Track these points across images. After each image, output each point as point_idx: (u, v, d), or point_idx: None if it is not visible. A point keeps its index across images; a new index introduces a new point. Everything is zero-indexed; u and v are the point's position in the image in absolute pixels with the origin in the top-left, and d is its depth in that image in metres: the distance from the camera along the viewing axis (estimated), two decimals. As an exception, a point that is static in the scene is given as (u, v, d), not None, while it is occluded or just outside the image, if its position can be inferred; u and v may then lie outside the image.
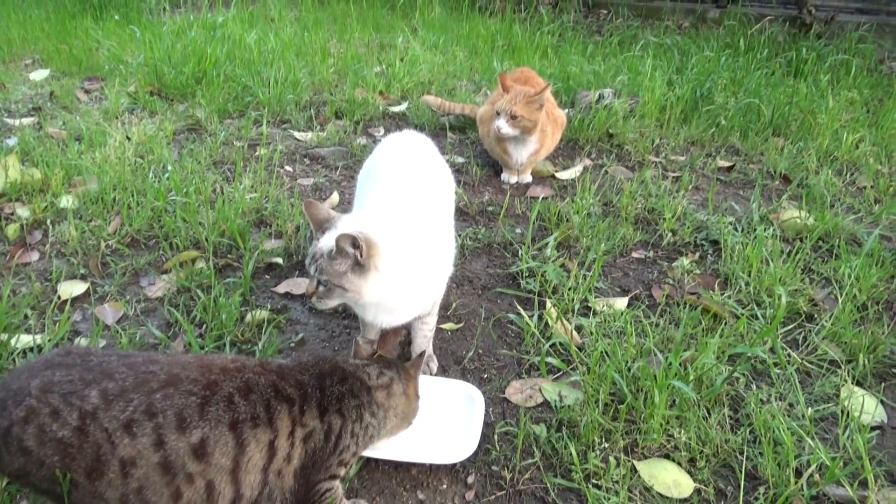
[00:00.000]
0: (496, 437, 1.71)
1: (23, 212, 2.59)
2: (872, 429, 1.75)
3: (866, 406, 1.79)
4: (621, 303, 2.23)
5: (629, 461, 1.62)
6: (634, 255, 2.56)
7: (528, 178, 3.17)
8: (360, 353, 1.61)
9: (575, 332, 2.07)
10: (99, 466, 1.18)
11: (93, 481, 1.18)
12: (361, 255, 1.53)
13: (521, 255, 2.41)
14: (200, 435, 1.22)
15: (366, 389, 1.46)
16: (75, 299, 2.16)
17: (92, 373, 1.24)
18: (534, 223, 2.60)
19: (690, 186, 3.10)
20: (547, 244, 2.49)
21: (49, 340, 1.92)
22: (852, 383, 1.90)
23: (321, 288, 1.59)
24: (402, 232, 1.66)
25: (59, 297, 2.14)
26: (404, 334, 2.01)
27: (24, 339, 1.90)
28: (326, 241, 1.58)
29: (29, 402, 1.19)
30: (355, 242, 1.51)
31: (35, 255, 2.38)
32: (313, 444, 1.36)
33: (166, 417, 1.21)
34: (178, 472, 1.21)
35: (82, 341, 1.96)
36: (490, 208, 2.88)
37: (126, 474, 1.19)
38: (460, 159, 3.33)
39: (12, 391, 1.22)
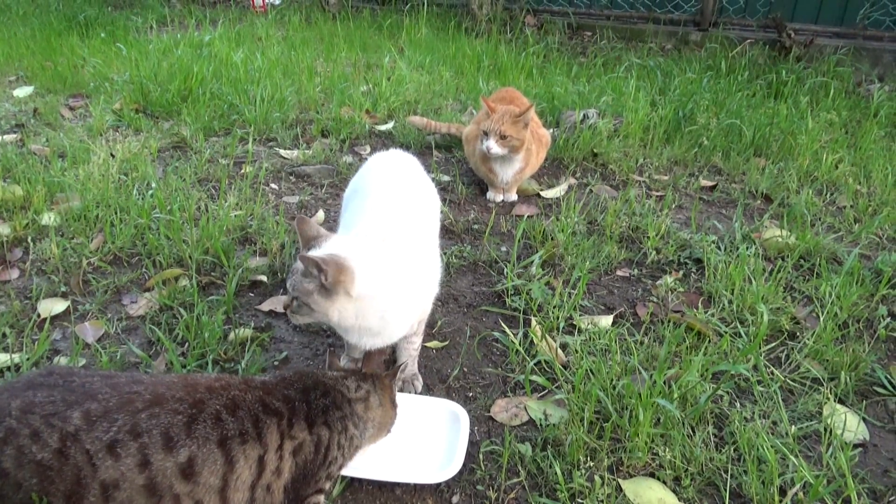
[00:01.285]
0: (481, 456, 1.70)
1: (3, 229, 2.56)
2: (855, 446, 1.76)
3: (849, 424, 1.80)
4: (606, 321, 2.24)
5: (614, 480, 1.61)
6: (619, 273, 2.57)
7: (513, 196, 3.19)
8: (335, 364, 1.60)
9: (560, 350, 2.07)
10: (79, 490, 1.15)
11: None
12: (326, 279, 1.53)
13: (507, 273, 2.42)
14: (188, 454, 1.20)
15: (347, 402, 1.47)
16: (55, 317, 2.13)
17: (74, 394, 1.22)
18: (519, 241, 2.61)
19: (674, 205, 3.13)
20: (532, 262, 2.50)
21: (28, 359, 1.88)
22: (835, 401, 1.91)
23: (294, 303, 1.60)
24: (384, 257, 1.66)
25: (38, 316, 2.11)
26: (389, 353, 2.00)
27: (2, 358, 1.87)
28: None
29: (8, 422, 1.17)
30: (319, 266, 1.51)
31: (15, 273, 2.34)
32: (304, 457, 1.36)
33: (152, 437, 1.19)
34: (164, 494, 1.19)
35: (62, 360, 1.93)
36: (476, 226, 2.89)
37: (107, 497, 1.16)
38: (446, 178, 3.34)
39: None
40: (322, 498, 1.41)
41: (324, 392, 1.44)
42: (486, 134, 2.89)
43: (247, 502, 1.28)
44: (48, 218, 2.64)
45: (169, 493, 1.19)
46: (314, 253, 1.58)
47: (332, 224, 2.79)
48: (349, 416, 1.46)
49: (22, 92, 4.24)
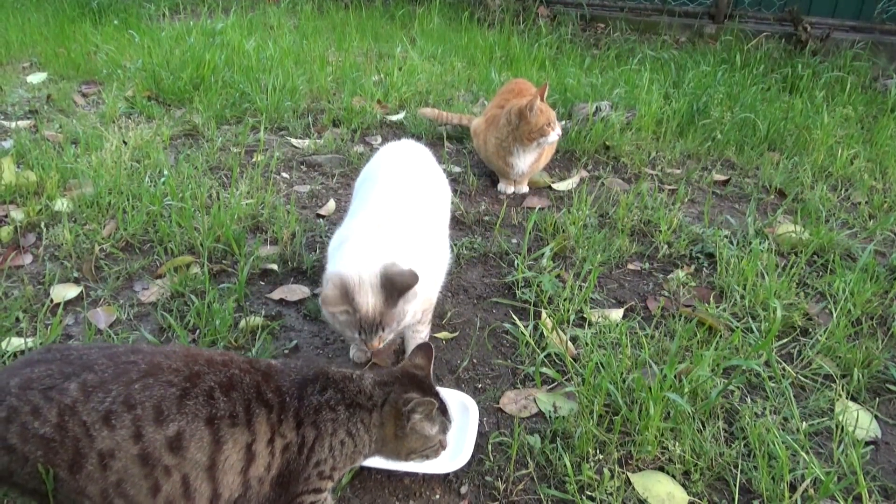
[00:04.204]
0: (490, 447, 1.70)
1: (17, 214, 2.58)
2: (867, 444, 1.75)
3: (861, 421, 1.79)
4: (616, 314, 2.23)
5: (623, 473, 1.61)
6: (630, 266, 2.56)
7: (524, 188, 3.18)
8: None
9: (570, 343, 2.07)
10: (79, 460, 1.17)
11: (74, 475, 1.17)
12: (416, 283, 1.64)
13: (517, 265, 2.41)
14: (177, 428, 1.20)
15: (347, 406, 1.37)
16: (68, 303, 2.14)
17: (71, 366, 1.23)
18: (530, 233, 2.60)
19: (686, 199, 3.11)
20: (543, 254, 2.49)
21: (40, 344, 1.90)
22: (847, 398, 1.90)
23: (391, 335, 1.70)
24: (397, 245, 1.66)
25: (51, 301, 2.13)
26: (398, 343, 2.00)
27: (15, 343, 1.89)
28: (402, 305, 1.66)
29: (9, 401, 1.19)
30: (414, 277, 1.62)
31: (28, 258, 2.36)
32: (288, 456, 1.32)
33: (144, 409, 1.19)
34: (155, 465, 1.20)
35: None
36: (486, 218, 2.88)
37: (105, 467, 1.18)
38: (457, 169, 3.33)
39: None
40: (322, 496, 1.37)
41: (321, 389, 1.36)
42: (549, 125, 2.91)
43: (240, 487, 1.27)
44: (61, 204, 2.65)
45: (160, 464, 1.20)
46: (389, 268, 1.64)
47: (341, 214, 2.79)
48: (344, 421, 1.36)
49: (35, 78, 4.25)
